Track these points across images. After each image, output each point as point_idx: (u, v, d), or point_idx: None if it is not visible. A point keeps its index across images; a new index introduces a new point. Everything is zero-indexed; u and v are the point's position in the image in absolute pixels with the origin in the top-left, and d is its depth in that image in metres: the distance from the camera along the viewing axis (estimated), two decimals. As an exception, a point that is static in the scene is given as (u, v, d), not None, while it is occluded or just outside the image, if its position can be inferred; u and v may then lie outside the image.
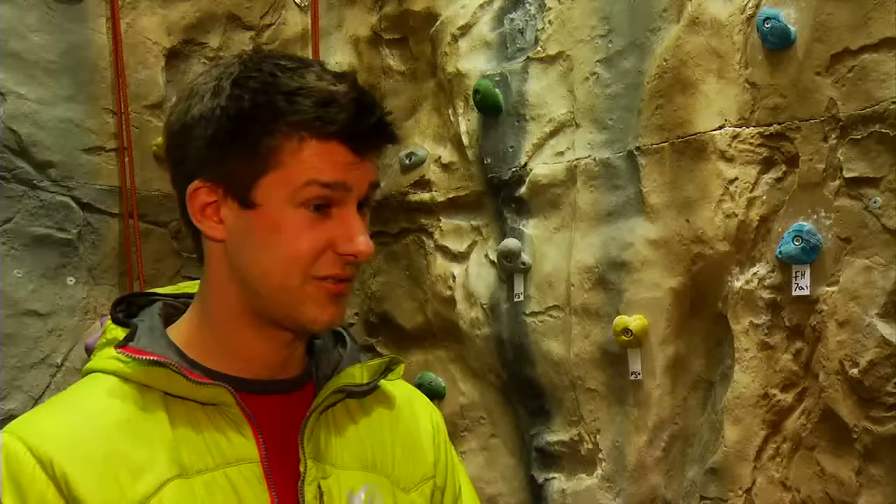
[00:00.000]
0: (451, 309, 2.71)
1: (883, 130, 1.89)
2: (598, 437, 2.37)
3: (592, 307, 2.37)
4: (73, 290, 2.56)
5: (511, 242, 2.51)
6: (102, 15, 2.65)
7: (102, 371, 1.01)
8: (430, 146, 2.80)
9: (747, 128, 2.10)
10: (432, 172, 2.77)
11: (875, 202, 1.91)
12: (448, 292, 2.72)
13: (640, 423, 2.28)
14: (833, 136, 1.97)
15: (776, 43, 2.02)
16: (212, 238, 1.01)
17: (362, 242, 0.98)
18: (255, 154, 0.96)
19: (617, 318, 2.28)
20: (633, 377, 2.28)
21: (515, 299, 2.53)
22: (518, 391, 2.59)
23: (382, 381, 1.12)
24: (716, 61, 2.14)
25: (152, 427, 0.97)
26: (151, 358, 0.97)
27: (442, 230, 2.76)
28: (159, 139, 2.72)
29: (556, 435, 2.48)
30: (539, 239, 2.50)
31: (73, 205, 2.57)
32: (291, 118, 0.95)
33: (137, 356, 0.97)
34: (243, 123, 0.96)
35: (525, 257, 2.50)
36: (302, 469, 1.01)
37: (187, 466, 0.96)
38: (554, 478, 2.48)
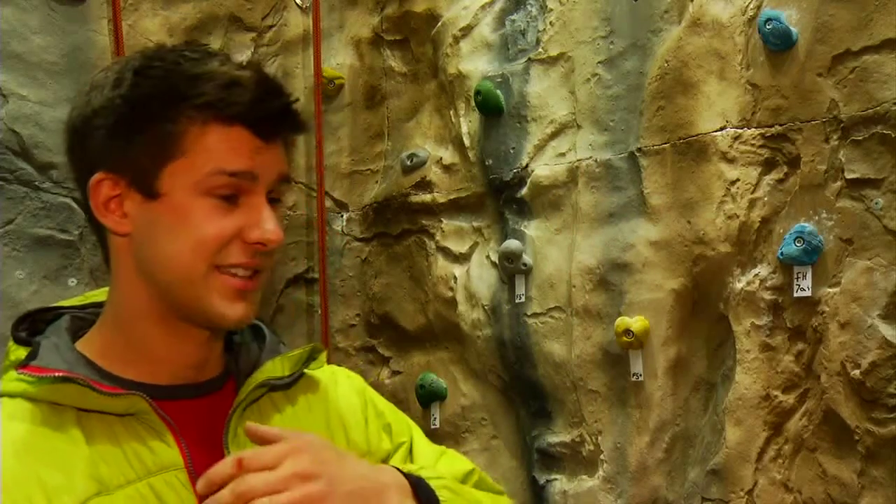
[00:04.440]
0: (452, 310, 2.71)
1: (884, 131, 1.89)
2: (599, 438, 2.37)
3: (594, 308, 2.37)
4: (74, 291, 2.56)
5: (512, 244, 2.51)
6: (104, 16, 2.65)
7: (8, 395, 0.95)
8: (431, 147, 2.81)
9: (749, 129, 2.10)
10: (433, 174, 2.77)
11: (877, 203, 1.91)
12: (449, 293, 2.72)
13: (642, 424, 2.28)
14: (834, 137, 1.97)
15: (778, 44, 2.02)
16: (116, 233, 0.97)
17: (270, 230, 0.96)
18: (157, 141, 0.93)
19: (618, 319, 2.28)
20: (634, 378, 2.28)
21: (517, 300, 2.53)
22: (519, 392, 2.59)
23: (306, 370, 1.10)
24: (717, 62, 2.14)
25: (66, 446, 0.92)
26: (56, 374, 0.92)
27: (443, 231, 2.76)
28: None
29: (558, 436, 2.48)
30: (540, 240, 2.50)
31: (75, 206, 2.57)
32: (194, 101, 0.93)
33: (41, 374, 0.93)
34: (145, 110, 0.94)
35: (526, 258, 2.50)
36: None
37: (107, 482, 0.92)
38: (555, 479, 2.48)
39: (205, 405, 1.01)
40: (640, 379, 2.27)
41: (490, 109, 2.57)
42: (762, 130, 2.08)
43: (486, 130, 2.61)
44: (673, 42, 2.21)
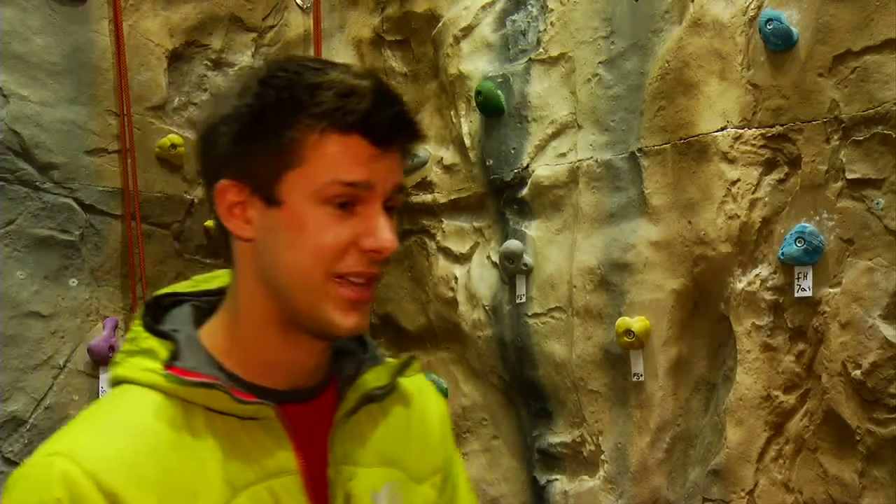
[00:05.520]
0: (453, 310, 2.71)
1: (885, 132, 1.89)
2: (600, 438, 2.37)
3: (594, 309, 2.37)
4: (75, 291, 2.56)
5: (513, 244, 2.51)
6: (105, 17, 2.65)
7: (138, 383, 0.98)
8: (432, 148, 2.81)
9: (749, 129, 2.10)
10: (434, 174, 2.77)
11: (877, 203, 1.91)
12: (450, 294, 2.72)
13: (643, 424, 2.28)
14: (835, 137, 1.97)
15: (778, 44, 2.02)
16: (240, 238, 1.00)
17: (386, 238, 0.97)
18: (277, 149, 0.96)
19: (619, 319, 2.28)
20: (635, 379, 2.28)
21: (517, 301, 2.53)
22: (520, 393, 2.59)
23: (399, 380, 1.13)
24: (718, 63, 2.14)
25: (200, 446, 0.96)
26: (202, 380, 0.96)
27: (444, 232, 2.76)
28: (162, 141, 2.73)
29: (559, 436, 2.48)
30: (541, 240, 2.50)
31: (76, 206, 2.57)
32: (312, 110, 0.95)
33: (187, 378, 0.96)
34: (267, 118, 0.96)
35: (527, 259, 2.50)
36: (331, 474, 1.02)
37: (235, 483, 0.96)
38: (556, 479, 2.48)
39: (310, 410, 1.04)
40: (641, 379, 2.27)
41: (491, 110, 2.57)
42: (763, 130, 2.08)
43: (486, 131, 2.61)
44: (674, 42, 2.21)
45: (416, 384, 1.18)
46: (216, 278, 1.09)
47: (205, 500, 0.93)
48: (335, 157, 0.95)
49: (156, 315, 1.05)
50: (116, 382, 1.01)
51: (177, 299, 1.08)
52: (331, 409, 1.04)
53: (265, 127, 0.96)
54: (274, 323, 1.00)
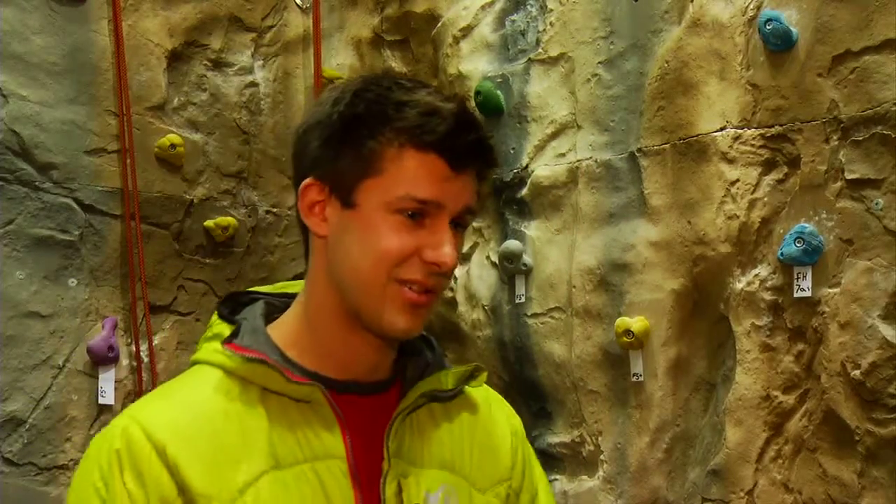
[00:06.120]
0: (452, 310, 2.71)
1: (884, 132, 1.89)
2: (599, 438, 2.37)
3: (594, 309, 2.37)
4: (74, 291, 2.56)
5: (512, 244, 2.51)
6: (104, 17, 2.65)
7: (208, 363, 1.07)
8: (431, 148, 2.80)
9: (749, 129, 2.10)
10: (434, 174, 2.77)
11: (877, 204, 1.91)
12: (450, 294, 2.72)
13: (642, 424, 2.28)
14: (835, 137, 1.97)
15: (778, 44, 2.02)
16: (316, 234, 1.07)
17: (447, 253, 1.03)
18: (360, 156, 1.03)
19: (618, 319, 2.28)
20: (634, 379, 2.28)
21: (517, 301, 2.53)
22: (520, 393, 2.59)
23: (465, 387, 1.17)
24: (717, 63, 2.14)
25: (251, 419, 1.03)
26: (253, 356, 1.03)
27: (443, 232, 2.75)
28: (161, 141, 2.73)
29: (558, 436, 2.48)
30: (540, 240, 2.50)
31: (75, 206, 2.57)
32: (396, 124, 1.02)
33: (240, 353, 1.04)
34: (354, 127, 1.03)
35: (526, 259, 2.50)
36: (385, 466, 1.05)
37: (280, 459, 1.02)
38: (556, 479, 2.48)
39: (370, 404, 1.09)
40: (641, 379, 2.27)
41: (490, 110, 2.57)
42: (762, 131, 2.08)
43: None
44: (673, 42, 2.21)
45: (485, 394, 1.23)
46: (299, 285, 1.15)
47: (247, 467, 1.00)
48: (411, 173, 1.02)
49: (234, 310, 1.14)
50: (192, 364, 1.10)
51: (254, 297, 1.17)
52: (392, 407, 1.09)
53: (351, 135, 1.03)
54: (338, 316, 1.07)
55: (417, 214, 1.03)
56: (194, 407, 1.03)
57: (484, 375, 1.17)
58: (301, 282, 1.13)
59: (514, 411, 1.26)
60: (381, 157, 1.02)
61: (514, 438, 1.22)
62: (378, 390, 1.10)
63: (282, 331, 1.10)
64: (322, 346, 1.08)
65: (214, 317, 1.13)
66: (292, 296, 1.14)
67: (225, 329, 1.10)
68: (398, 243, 1.02)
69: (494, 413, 1.22)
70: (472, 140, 1.05)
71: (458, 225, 1.07)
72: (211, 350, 1.08)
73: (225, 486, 0.99)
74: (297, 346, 1.08)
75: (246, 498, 0.99)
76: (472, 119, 1.06)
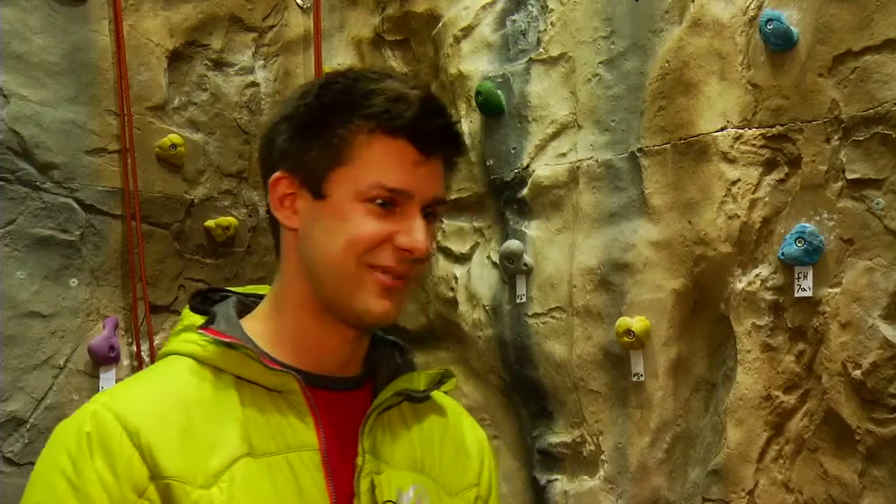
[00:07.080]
0: (453, 310, 2.71)
1: (885, 132, 1.89)
2: (600, 438, 2.37)
3: (595, 308, 2.37)
4: (75, 291, 2.56)
5: (513, 244, 2.51)
6: (105, 17, 2.66)
7: (179, 353, 1.07)
8: (432, 148, 2.80)
9: (749, 129, 2.10)
10: (434, 174, 2.77)
11: (878, 203, 1.91)
12: (450, 294, 2.72)
13: (643, 424, 2.28)
14: (835, 137, 1.97)
15: (778, 44, 2.02)
16: (287, 227, 1.08)
17: (418, 239, 1.04)
18: (329, 146, 1.04)
19: (619, 319, 2.28)
20: (635, 379, 2.28)
21: (517, 301, 2.53)
22: (520, 393, 2.59)
23: (434, 392, 1.18)
24: (718, 63, 2.14)
25: (225, 406, 1.03)
26: (231, 340, 1.04)
27: (444, 231, 2.76)
28: (162, 141, 2.73)
29: (559, 436, 2.48)
30: (541, 240, 2.50)
31: (76, 206, 2.57)
32: (364, 112, 1.03)
33: (218, 338, 1.04)
34: (323, 117, 1.04)
35: (527, 259, 2.50)
36: (359, 462, 1.06)
37: (255, 446, 1.02)
38: (556, 479, 2.48)
39: (342, 399, 1.10)
40: (641, 379, 2.27)
41: (491, 110, 2.57)
42: (763, 131, 2.08)
43: (486, 131, 2.61)
44: (674, 42, 2.21)
45: (452, 404, 1.25)
46: (267, 288, 1.16)
47: (221, 452, 1.00)
48: (380, 160, 1.03)
49: (204, 304, 1.14)
50: (162, 356, 1.10)
51: (224, 294, 1.17)
52: (365, 404, 1.10)
53: (320, 125, 1.04)
54: (310, 310, 1.07)
55: (388, 203, 1.03)
56: (167, 393, 1.03)
57: (454, 381, 1.18)
58: (268, 286, 1.14)
59: (480, 427, 1.28)
60: (350, 145, 1.03)
61: (481, 449, 1.23)
62: (350, 386, 1.11)
63: (254, 324, 1.10)
64: (294, 339, 1.08)
65: (186, 310, 1.14)
66: (261, 296, 1.14)
67: (198, 320, 1.10)
68: (369, 229, 1.03)
69: (463, 423, 1.23)
70: (440, 124, 1.06)
71: (429, 214, 1.07)
72: (182, 340, 1.09)
73: (199, 470, 0.99)
74: (269, 339, 1.08)
75: (220, 483, 0.99)
76: (439, 104, 1.07)
